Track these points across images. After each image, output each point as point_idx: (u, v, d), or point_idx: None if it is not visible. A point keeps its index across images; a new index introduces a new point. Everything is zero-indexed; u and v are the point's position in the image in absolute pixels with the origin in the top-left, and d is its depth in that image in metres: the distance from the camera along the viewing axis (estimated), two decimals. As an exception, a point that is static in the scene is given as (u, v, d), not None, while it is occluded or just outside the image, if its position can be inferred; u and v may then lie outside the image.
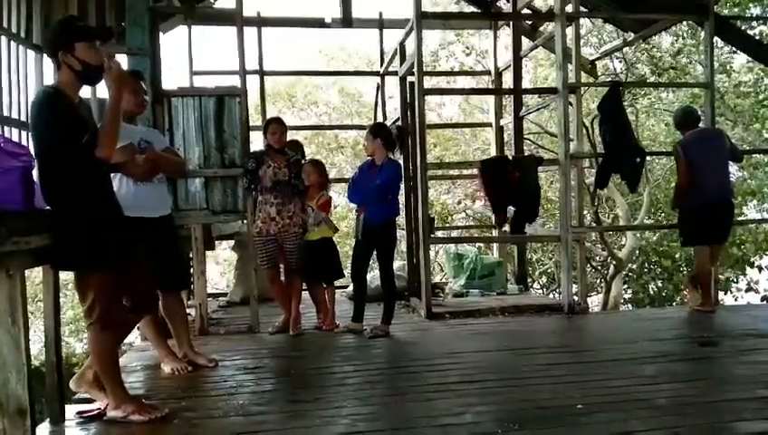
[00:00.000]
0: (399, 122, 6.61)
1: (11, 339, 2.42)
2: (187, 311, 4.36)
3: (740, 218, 10.61)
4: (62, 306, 3.19)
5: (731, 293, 11.56)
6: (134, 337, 5.24)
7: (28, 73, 5.06)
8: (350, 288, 5.77)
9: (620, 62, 10.74)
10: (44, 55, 5.10)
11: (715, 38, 6.35)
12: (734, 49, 9.36)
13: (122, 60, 5.14)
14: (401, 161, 5.93)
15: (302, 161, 5.18)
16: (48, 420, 3.01)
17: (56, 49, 2.76)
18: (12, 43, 4.82)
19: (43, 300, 3.03)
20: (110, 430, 2.87)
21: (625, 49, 9.12)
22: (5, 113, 4.64)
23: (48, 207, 2.77)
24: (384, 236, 4.81)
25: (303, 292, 5.18)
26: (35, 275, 6.52)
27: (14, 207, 2.62)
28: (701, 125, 5.79)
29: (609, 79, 9.50)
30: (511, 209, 5.89)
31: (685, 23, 8.90)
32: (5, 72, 4.74)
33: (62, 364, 3.05)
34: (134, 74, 3.81)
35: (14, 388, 2.43)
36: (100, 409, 3.03)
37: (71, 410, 3.08)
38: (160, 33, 5.60)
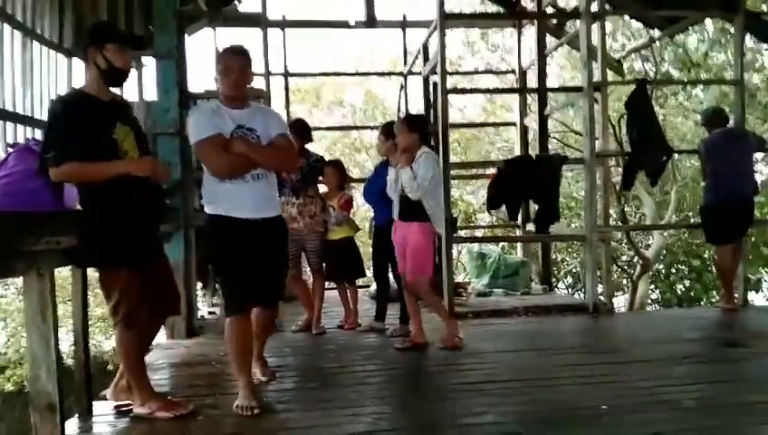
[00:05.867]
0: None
1: (41, 336, 2.48)
2: (211, 310, 4.40)
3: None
4: (89, 304, 3.24)
5: (762, 292, 11.32)
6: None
7: (58, 78, 5.18)
8: (372, 288, 5.78)
9: (647, 61, 10.57)
10: (74, 60, 5.23)
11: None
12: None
13: (150, 64, 5.25)
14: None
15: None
16: (76, 415, 3.07)
17: (89, 45, 2.82)
18: (43, 48, 4.95)
19: (71, 299, 3.09)
20: (136, 426, 2.92)
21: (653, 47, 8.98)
22: (37, 116, 4.77)
23: (78, 208, 2.84)
24: (389, 236, 4.70)
25: (327, 291, 5.20)
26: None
27: (43, 207, 2.69)
28: (730, 124, 5.68)
29: (636, 77, 9.36)
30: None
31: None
32: (37, 76, 4.87)
33: (89, 361, 3.12)
34: (232, 50, 3.00)
35: (44, 384, 2.49)
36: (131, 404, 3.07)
37: (98, 407, 3.14)
38: (186, 36, 5.67)
